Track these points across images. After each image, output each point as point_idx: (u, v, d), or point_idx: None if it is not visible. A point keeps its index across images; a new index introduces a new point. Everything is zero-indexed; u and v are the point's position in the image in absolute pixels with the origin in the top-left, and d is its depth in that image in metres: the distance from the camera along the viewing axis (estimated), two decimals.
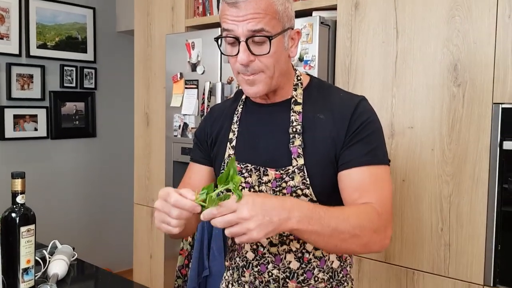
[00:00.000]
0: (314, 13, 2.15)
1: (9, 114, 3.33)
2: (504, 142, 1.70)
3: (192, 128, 2.46)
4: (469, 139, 1.78)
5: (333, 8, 2.13)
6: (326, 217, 0.99)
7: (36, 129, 3.47)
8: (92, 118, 3.84)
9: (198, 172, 1.32)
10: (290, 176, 1.13)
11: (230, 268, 1.28)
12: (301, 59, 2.07)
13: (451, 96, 1.81)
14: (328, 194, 1.14)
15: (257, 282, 1.19)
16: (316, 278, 1.17)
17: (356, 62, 2.06)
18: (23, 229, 1.29)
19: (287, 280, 1.17)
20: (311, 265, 1.17)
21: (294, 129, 1.15)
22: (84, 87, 3.78)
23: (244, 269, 1.21)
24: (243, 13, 1.06)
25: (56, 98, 3.60)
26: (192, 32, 2.52)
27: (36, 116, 3.48)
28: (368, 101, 1.19)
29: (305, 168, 1.12)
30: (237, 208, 0.91)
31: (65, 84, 3.65)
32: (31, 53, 3.44)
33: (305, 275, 1.17)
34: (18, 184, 1.30)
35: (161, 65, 2.80)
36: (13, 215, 1.28)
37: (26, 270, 1.30)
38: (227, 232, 0.93)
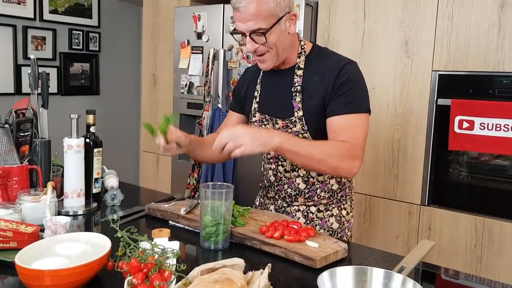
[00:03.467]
0: None
1: (25, 72, 3.72)
2: (439, 99, 2.30)
3: (197, 86, 2.98)
4: (414, 97, 2.37)
5: None
6: (302, 143, 1.35)
7: (48, 86, 3.88)
8: (96, 77, 4.26)
9: (232, 117, 1.72)
10: (293, 124, 1.48)
11: (261, 187, 1.70)
12: None
13: (403, 65, 2.39)
14: (322, 136, 1.46)
15: (277, 196, 1.61)
16: (318, 196, 1.55)
17: (333, 36, 2.60)
18: (95, 150, 1.80)
19: (297, 196, 1.56)
20: (315, 186, 1.54)
21: (295, 89, 1.48)
22: (89, 50, 4.17)
23: (269, 188, 1.63)
24: (244, 16, 1.36)
25: (65, 59, 4.00)
26: (199, 6, 3.01)
27: (48, 74, 3.88)
28: (356, 64, 1.49)
29: (303, 118, 1.47)
30: (232, 131, 1.27)
31: (73, 47, 4.04)
32: (44, 18, 3.80)
33: (310, 193, 1.55)
34: (91, 118, 1.81)
35: (168, 33, 3.27)
36: (88, 140, 1.79)
37: (96, 180, 1.81)
38: (224, 150, 1.29)
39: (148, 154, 3.53)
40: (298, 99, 1.47)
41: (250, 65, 1.90)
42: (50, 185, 1.45)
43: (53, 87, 3.92)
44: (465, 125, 2.19)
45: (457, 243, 2.28)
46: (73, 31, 4.02)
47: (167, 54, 3.30)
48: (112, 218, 1.14)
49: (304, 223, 1.55)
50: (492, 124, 2.14)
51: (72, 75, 4.06)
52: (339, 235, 1.58)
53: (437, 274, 1.30)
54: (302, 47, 1.53)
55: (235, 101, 1.74)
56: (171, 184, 3.25)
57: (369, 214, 2.52)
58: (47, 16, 3.82)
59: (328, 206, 1.56)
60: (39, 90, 1.75)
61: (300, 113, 1.47)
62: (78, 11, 4.05)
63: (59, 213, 1.60)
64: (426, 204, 2.37)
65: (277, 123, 1.52)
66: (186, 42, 3.01)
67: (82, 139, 1.71)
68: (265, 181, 1.65)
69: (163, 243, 1.19)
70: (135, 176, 3.71)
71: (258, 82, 1.62)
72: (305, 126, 1.47)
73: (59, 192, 1.72)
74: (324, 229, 1.56)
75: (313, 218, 1.56)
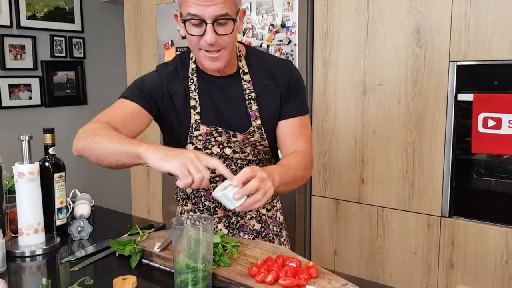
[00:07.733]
0: None
1: (4, 84, 3.47)
2: (459, 95, 2.02)
3: None
4: (429, 93, 2.07)
5: None
6: (288, 173, 1.27)
7: (30, 98, 3.63)
8: (83, 85, 4.01)
9: (128, 109, 1.35)
10: (251, 134, 1.38)
11: (178, 198, 1.59)
12: (283, 25, 2.31)
13: (415, 56, 2.10)
14: (275, 141, 1.46)
15: (230, 214, 1.48)
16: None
17: (332, 27, 2.31)
18: (56, 175, 1.53)
19: (216, 208, 1.47)
20: None
21: (249, 96, 1.37)
22: (74, 57, 3.92)
23: (186, 200, 1.52)
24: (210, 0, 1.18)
25: (48, 67, 3.74)
26: None
27: (30, 85, 3.63)
28: None
29: (262, 127, 1.38)
30: (256, 174, 1.12)
31: (55, 54, 3.79)
32: (22, 24, 3.55)
33: None
34: (49, 138, 1.54)
35: (151, 34, 3.00)
36: (47, 164, 1.52)
37: (60, 210, 1.55)
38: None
39: (138, 168, 3.26)
40: (254, 107, 1.39)
41: None
42: None
43: (36, 99, 3.66)
44: (491, 123, 1.92)
45: (485, 259, 1.99)
46: (55, 38, 3.77)
47: (151, 56, 3.03)
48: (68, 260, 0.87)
49: (261, 227, 1.53)
50: None
51: (56, 84, 3.80)
52: (285, 226, 1.63)
53: None
54: (239, 50, 1.42)
55: (142, 95, 1.38)
56: (162, 197, 3.01)
57: (382, 228, 2.24)
58: (24, 22, 3.56)
59: (273, 203, 1.58)
60: None
61: (258, 121, 1.39)
62: (59, 15, 3.79)
63: (13, 254, 1.34)
64: (448, 216, 2.09)
65: (236, 136, 1.39)
66: (170, 43, 2.73)
67: (36, 164, 1.44)
68: (181, 193, 1.57)
69: None
70: (127, 192, 3.46)
71: (192, 90, 1.38)
72: (264, 135, 1.41)
73: (16, 228, 1.46)
74: (276, 225, 1.57)
75: (266, 219, 1.54)
